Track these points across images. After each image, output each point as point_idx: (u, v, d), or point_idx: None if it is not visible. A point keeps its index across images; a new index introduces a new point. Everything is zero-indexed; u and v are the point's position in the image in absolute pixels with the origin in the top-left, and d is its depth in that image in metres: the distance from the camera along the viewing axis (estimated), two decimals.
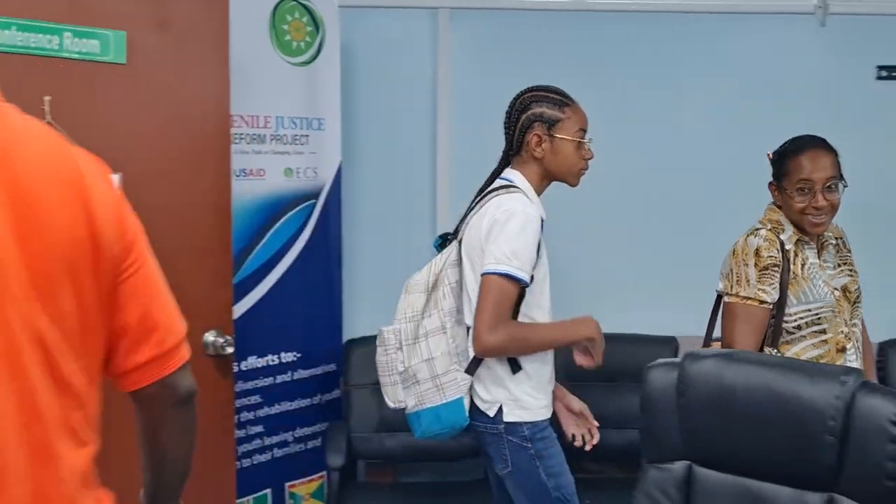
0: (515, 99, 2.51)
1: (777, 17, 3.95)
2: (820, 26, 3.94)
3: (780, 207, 2.53)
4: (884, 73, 3.99)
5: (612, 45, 3.91)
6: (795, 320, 2.43)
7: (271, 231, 3.30)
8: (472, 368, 2.40)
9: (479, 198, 2.49)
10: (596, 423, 2.53)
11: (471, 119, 3.89)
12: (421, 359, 2.39)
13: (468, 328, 2.40)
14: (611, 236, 3.93)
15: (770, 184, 2.56)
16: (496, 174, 2.52)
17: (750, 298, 2.41)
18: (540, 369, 2.43)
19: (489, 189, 2.47)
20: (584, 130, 2.46)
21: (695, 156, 3.93)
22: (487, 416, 2.39)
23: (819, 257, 2.51)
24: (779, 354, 2.42)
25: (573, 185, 2.50)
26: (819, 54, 3.98)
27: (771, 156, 2.59)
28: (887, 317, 3.74)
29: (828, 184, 2.43)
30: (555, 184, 2.58)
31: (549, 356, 2.46)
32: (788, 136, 3.90)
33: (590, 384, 3.05)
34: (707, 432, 1.82)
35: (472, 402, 2.41)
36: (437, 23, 3.84)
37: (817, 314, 2.43)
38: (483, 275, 2.31)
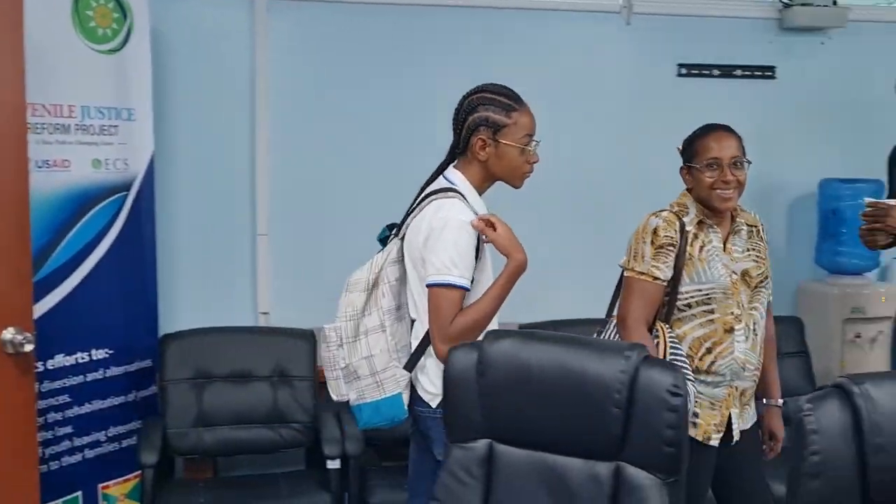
0: (464, 98, 2.47)
1: (585, 14, 4.12)
2: (625, 25, 4.16)
3: (690, 191, 2.68)
4: (684, 71, 4.23)
5: (426, 37, 3.98)
6: (686, 299, 2.57)
7: (79, 224, 3.19)
8: (411, 364, 2.42)
9: (421, 197, 2.47)
10: None
11: (291, 110, 3.88)
12: (361, 356, 2.43)
13: (413, 321, 2.45)
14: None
15: (681, 169, 2.72)
16: (440, 170, 2.49)
17: (644, 274, 2.56)
18: None
19: (430, 190, 2.46)
20: (530, 136, 2.43)
21: None
22: (430, 406, 2.40)
23: (726, 241, 2.64)
24: (670, 330, 2.56)
25: (516, 187, 2.49)
26: (624, 52, 4.18)
27: (680, 147, 2.76)
28: None
29: (734, 161, 2.62)
30: None
31: None
32: (595, 131, 4.15)
33: None
34: (506, 410, 1.89)
35: (414, 390, 2.44)
36: (254, 12, 3.80)
37: (708, 294, 2.56)
38: (427, 286, 2.34)
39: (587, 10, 4.11)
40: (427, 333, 2.37)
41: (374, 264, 2.47)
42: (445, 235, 2.31)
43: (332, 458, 3.10)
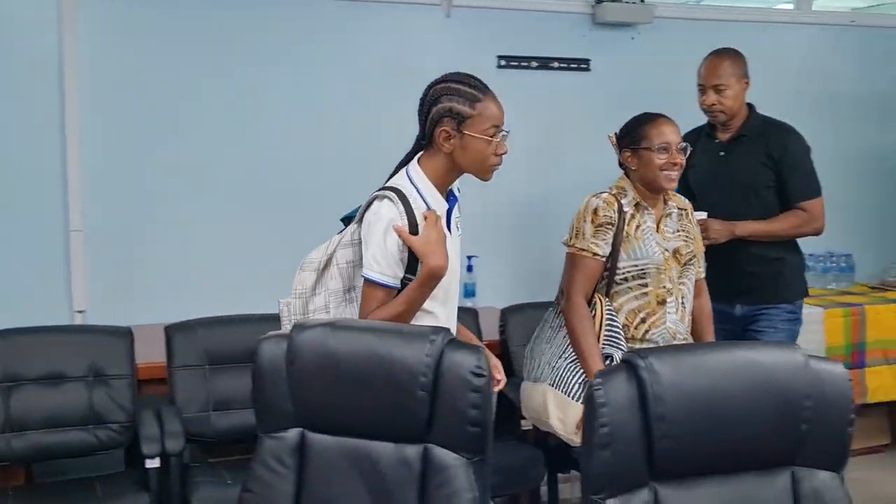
0: (429, 88, 2.42)
1: (405, 6, 4.16)
2: (445, 17, 4.22)
3: (628, 175, 2.93)
4: (503, 63, 4.33)
5: (243, 27, 3.92)
6: (623, 273, 2.82)
7: None
8: None
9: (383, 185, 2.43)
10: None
11: (104, 102, 3.75)
12: None
13: None
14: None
15: (624, 153, 2.94)
16: (404, 163, 2.46)
17: (585, 250, 2.80)
18: None
19: (383, 185, 2.42)
20: (497, 127, 2.37)
21: (325, 141, 4.05)
22: None
23: (659, 222, 2.90)
24: (608, 301, 2.80)
25: (484, 179, 2.45)
26: (445, 44, 4.23)
27: (615, 136, 3.03)
28: (505, 284, 4.12)
29: (680, 146, 2.87)
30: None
31: None
32: (417, 123, 4.18)
33: None
34: (316, 399, 1.90)
35: None
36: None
37: (643, 269, 2.82)
38: (362, 277, 2.33)
39: (407, 3, 4.15)
40: None
41: (329, 246, 2.42)
42: (374, 230, 2.28)
43: (151, 457, 3.02)
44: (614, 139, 3.03)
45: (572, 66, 4.46)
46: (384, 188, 2.37)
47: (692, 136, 3.42)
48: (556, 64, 4.43)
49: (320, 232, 2.54)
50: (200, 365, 3.36)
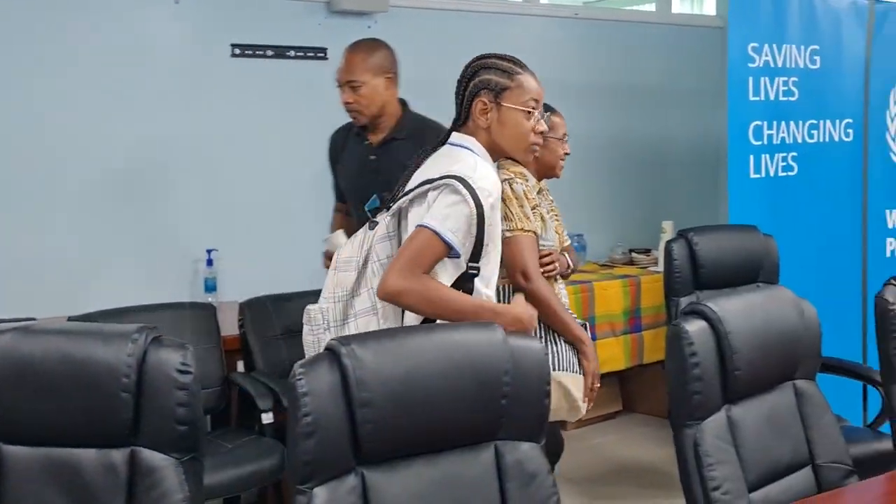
0: (466, 67, 2.34)
1: None
2: (174, 3, 4.07)
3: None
4: (237, 51, 4.24)
5: None
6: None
7: None
8: None
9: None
10: None
11: None
12: None
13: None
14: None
15: None
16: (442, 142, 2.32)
17: (529, 230, 2.71)
18: None
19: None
20: (536, 101, 2.29)
21: (57, 129, 3.84)
22: None
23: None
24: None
25: (523, 160, 2.38)
26: (174, 32, 4.09)
27: None
28: (245, 278, 4.06)
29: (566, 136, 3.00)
30: None
31: None
32: (149, 113, 4.04)
33: None
34: (10, 408, 1.77)
35: None
36: None
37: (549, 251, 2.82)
38: (417, 227, 2.14)
39: None
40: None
41: (363, 242, 2.25)
42: (455, 208, 2.12)
43: None
44: None
45: (309, 54, 4.44)
46: (451, 176, 2.16)
47: (340, 136, 3.22)
48: (291, 52, 4.39)
49: None
50: None
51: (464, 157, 2.23)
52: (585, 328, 2.81)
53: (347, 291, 2.24)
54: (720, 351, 2.00)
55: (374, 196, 2.46)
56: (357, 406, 1.59)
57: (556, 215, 3.01)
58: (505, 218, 2.66)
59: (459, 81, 2.36)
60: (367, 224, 2.31)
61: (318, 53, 4.46)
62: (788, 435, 2.11)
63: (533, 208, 2.79)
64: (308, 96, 4.41)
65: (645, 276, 4.74)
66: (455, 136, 2.33)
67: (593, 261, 5.08)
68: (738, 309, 2.06)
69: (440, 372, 1.66)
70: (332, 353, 1.63)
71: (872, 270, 4.32)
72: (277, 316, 3.59)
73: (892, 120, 4.39)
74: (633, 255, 5.09)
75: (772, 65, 4.05)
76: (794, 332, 2.15)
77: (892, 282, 2.43)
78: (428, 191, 2.19)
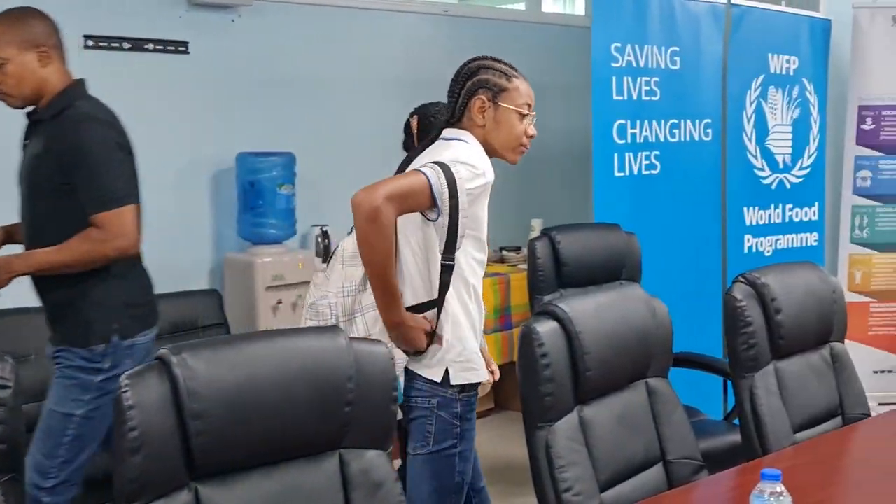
0: (463, 66, 2.39)
1: None
2: None
3: None
4: (91, 43, 4.05)
5: None
6: None
7: None
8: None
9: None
10: None
11: None
12: (357, 335, 2.28)
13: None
14: None
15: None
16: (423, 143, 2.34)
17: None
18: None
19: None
20: (529, 105, 2.36)
21: None
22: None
23: None
24: None
25: (511, 161, 2.37)
26: None
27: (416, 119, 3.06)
28: None
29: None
30: None
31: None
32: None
33: None
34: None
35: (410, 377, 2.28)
36: None
37: None
38: (413, 169, 2.21)
39: None
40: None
41: None
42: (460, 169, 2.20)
43: None
44: (415, 123, 3.08)
45: (169, 48, 4.28)
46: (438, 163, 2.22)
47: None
48: (150, 46, 4.22)
49: None
50: None
51: (454, 146, 2.29)
52: None
53: (355, 286, 2.32)
54: (571, 351, 2.00)
55: None
56: (189, 418, 1.51)
57: None
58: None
59: (456, 80, 2.39)
60: None
61: (179, 47, 4.31)
62: (640, 433, 2.13)
63: None
64: (168, 92, 4.27)
65: (515, 273, 4.77)
66: (448, 131, 2.38)
67: None
68: (589, 309, 2.06)
69: (279, 380, 1.59)
70: (161, 362, 1.54)
71: (732, 266, 4.45)
72: None
73: (749, 121, 4.52)
74: (504, 253, 5.11)
75: (634, 65, 4.11)
76: (645, 330, 2.16)
77: (741, 279, 2.48)
78: None
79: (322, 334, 1.70)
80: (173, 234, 4.28)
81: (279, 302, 4.32)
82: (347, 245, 2.36)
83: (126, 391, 1.48)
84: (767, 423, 2.34)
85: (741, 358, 2.38)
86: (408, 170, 2.28)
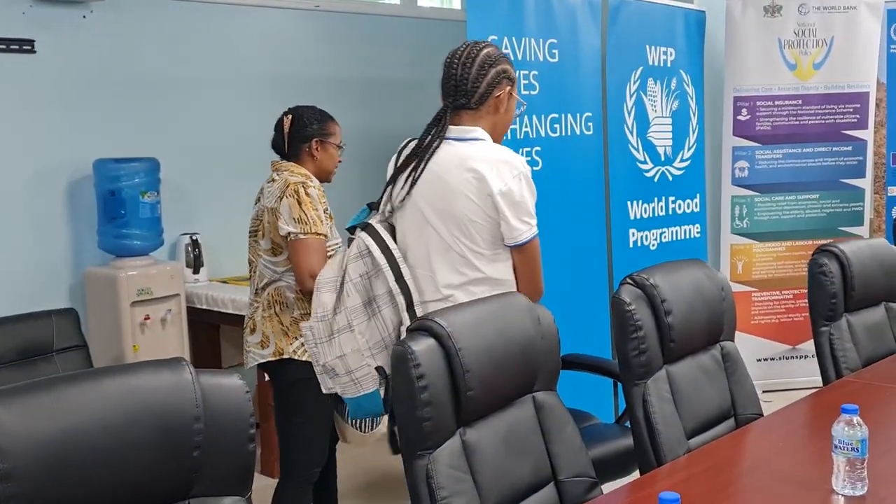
0: (479, 52, 2.42)
1: None
2: None
3: (308, 162, 3.02)
4: None
5: None
6: (330, 252, 2.88)
7: None
8: None
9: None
10: None
11: None
12: (335, 355, 2.38)
13: (405, 307, 2.31)
14: None
15: (315, 142, 3.03)
16: (434, 131, 2.37)
17: (321, 234, 2.86)
18: None
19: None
20: None
21: None
22: None
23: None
24: None
25: (498, 142, 2.44)
26: None
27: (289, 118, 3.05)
28: None
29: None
30: None
31: None
32: None
33: None
34: None
35: None
36: None
37: (335, 249, 2.89)
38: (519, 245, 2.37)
39: None
40: None
41: (340, 263, 2.39)
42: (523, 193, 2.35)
43: None
44: (288, 123, 3.05)
45: (13, 46, 3.95)
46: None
47: None
48: None
49: None
50: None
51: (498, 151, 2.37)
52: None
53: (328, 311, 2.38)
54: (451, 370, 1.82)
55: (361, 211, 2.51)
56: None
57: (330, 216, 3.00)
58: (299, 221, 2.84)
59: (470, 65, 2.41)
60: (348, 241, 2.45)
61: (24, 46, 3.98)
62: (529, 453, 1.98)
63: (325, 210, 2.94)
64: (13, 94, 3.93)
65: None
66: (464, 130, 2.40)
67: None
68: (468, 322, 1.89)
69: (111, 427, 1.36)
70: None
71: (618, 262, 4.37)
72: None
73: (629, 113, 4.45)
74: None
75: (511, 58, 3.98)
76: (530, 341, 2.01)
77: (628, 280, 2.35)
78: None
79: (161, 369, 1.47)
80: (25, 248, 3.96)
81: (147, 318, 4.03)
82: (323, 271, 2.45)
83: None
84: (661, 431, 2.22)
85: (632, 364, 2.25)
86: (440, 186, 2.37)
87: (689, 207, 4.87)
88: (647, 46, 4.57)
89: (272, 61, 4.80)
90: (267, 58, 4.79)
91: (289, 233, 2.85)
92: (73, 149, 4.10)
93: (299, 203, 2.86)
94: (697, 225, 4.94)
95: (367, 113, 5.12)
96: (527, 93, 4.05)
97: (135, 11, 4.29)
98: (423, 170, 2.35)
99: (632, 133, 4.47)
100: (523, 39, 4.01)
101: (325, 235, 2.88)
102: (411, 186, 2.36)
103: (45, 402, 1.34)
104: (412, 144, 2.46)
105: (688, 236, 4.88)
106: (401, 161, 2.44)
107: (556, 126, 4.17)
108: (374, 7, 5.36)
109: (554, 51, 4.13)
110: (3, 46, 3.91)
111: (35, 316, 3.38)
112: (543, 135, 4.11)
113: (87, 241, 4.15)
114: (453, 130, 2.40)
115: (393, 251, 2.33)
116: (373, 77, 5.24)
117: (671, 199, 4.75)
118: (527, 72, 4.04)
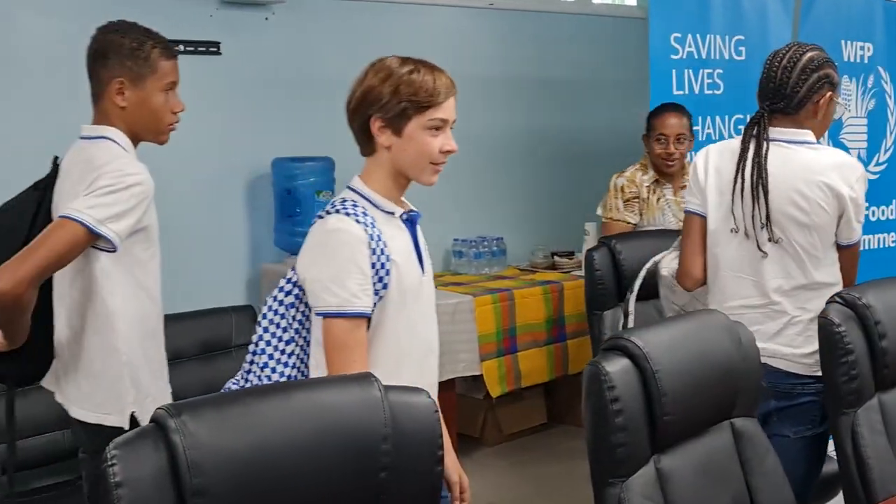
0: (801, 54, 2.36)
1: None
2: None
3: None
4: None
5: None
6: None
7: None
8: None
9: None
10: None
11: None
12: None
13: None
14: None
15: (643, 136, 3.58)
16: (757, 134, 2.43)
17: (619, 220, 3.54)
18: None
19: None
20: None
21: None
22: None
23: (675, 195, 3.53)
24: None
25: None
26: (41, 22, 3.69)
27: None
28: None
29: (678, 137, 3.49)
30: None
31: None
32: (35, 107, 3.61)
33: None
34: None
35: None
36: None
37: None
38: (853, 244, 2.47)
39: None
40: None
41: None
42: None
43: None
44: None
45: (200, 49, 4.05)
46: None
47: None
48: (180, 47, 3.98)
49: None
50: None
51: (837, 154, 2.49)
52: None
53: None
54: (647, 393, 1.70)
55: None
56: (189, 496, 1.24)
57: None
58: (603, 207, 3.76)
59: (800, 70, 2.34)
60: None
61: (211, 48, 4.08)
62: (727, 484, 1.83)
63: (629, 200, 3.59)
64: (199, 95, 4.03)
65: (568, 281, 4.45)
66: (794, 133, 2.41)
67: (514, 265, 4.79)
68: (665, 342, 1.76)
69: (298, 445, 1.32)
70: (158, 426, 1.27)
71: None
72: None
73: None
74: (556, 258, 4.80)
75: (695, 56, 3.81)
76: (730, 364, 1.86)
77: (838, 299, 2.15)
78: None
79: (350, 385, 1.42)
80: (207, 244, 4.06)
81: None
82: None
83: (114, 464, 1.22)
84: (873, 466, 2.02)
85: (841, 392, 2.06)
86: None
87: (883, 214, 4.54)
88: (843, 42, 4.26)
89: (447, 60, 4.67)
90: (441, 56, 4.65)
91: None
92: (254, 148, 4.18)
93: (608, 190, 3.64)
94: (893, 234, 4.59)
95: (540, 114, 5.03)
96: (710, 92, 3.86)
97: (315, 12, 4.34)
98: (766, 179, 2.30)
99: None
100: (707, 37, 3.83)
101: (622, 221, 3.56)
102: (765, 197, 2.29)
103: (235, 416, 1.31)
104: (713, 152, 2.45)
105: (882, 245, 4.54)
106: (715, 172, 2.42)
107: (741, 127, 3.93)
108: (548, 4, 5.24)
109: (741, 48, 3.93)
110: (192, 49, 4.01)
111: (215, 312, 3.48)
112: (727, 136, 3.91)
113: (265, 238, 4.22)
114: (782, 132, 2.36)
115: None
116: (546, 76, 5.12)
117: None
118: (710, 70, 3.86)
